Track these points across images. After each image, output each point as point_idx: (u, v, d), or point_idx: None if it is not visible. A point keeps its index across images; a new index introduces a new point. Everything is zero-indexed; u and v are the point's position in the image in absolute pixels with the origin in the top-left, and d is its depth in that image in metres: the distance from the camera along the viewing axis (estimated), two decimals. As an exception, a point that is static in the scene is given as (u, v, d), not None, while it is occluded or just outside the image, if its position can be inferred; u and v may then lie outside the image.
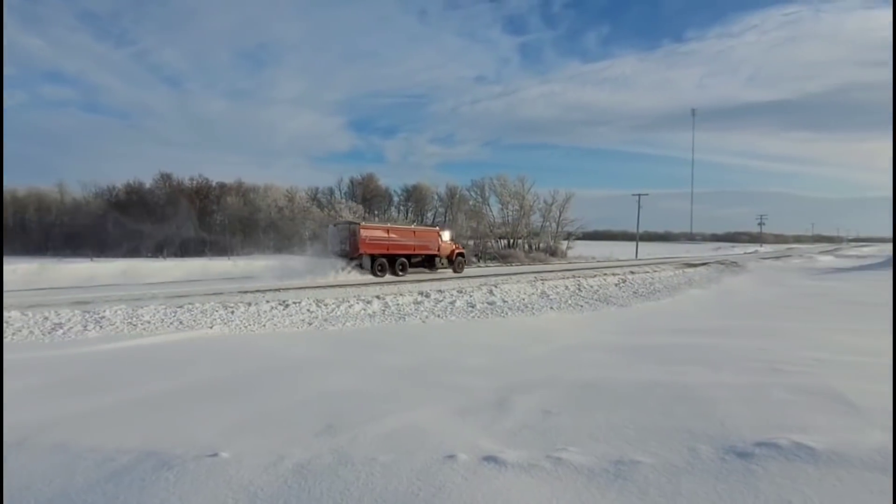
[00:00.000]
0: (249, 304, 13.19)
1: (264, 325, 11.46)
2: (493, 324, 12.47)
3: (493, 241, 43.84)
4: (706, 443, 3.35)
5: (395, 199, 48.56)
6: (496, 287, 17.54)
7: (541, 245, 44.82)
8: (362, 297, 14.70)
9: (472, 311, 13.85)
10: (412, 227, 27.82)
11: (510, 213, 45.53)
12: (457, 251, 27.20)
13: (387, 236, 23.74)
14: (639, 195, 50.72)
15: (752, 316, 13.06)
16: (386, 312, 13.29)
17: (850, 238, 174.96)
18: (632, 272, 25.33)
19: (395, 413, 4.50)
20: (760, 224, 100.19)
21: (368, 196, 45.56)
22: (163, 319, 11.55)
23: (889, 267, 30.53)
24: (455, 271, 26.24)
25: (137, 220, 36.88)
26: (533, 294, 17.18)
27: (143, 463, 3.46)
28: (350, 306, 13.59)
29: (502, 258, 38.72)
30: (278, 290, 16.24)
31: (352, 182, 47.00)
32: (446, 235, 26.94)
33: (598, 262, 37.69)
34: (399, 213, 47.31)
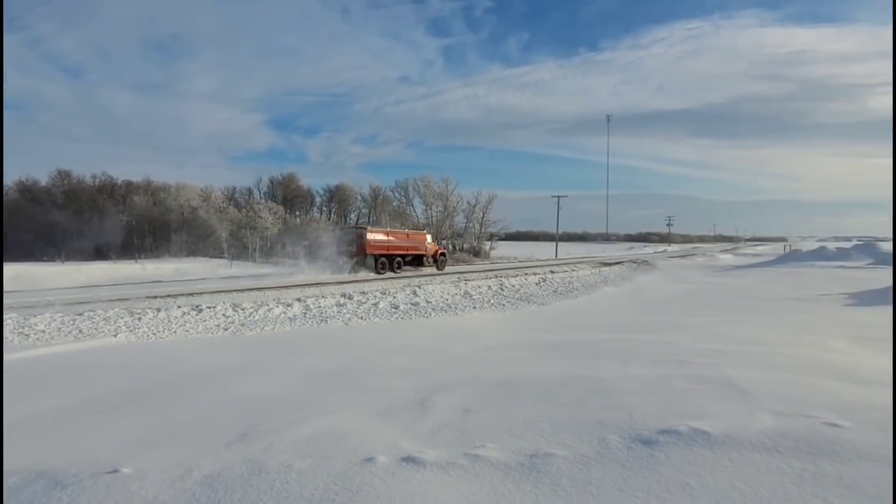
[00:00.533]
0: (159, 310, 12.47)
1: (175, 332, 10.87)
2: (417, 324, 12.50)
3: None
4: (615, 433, 3.51)
5: (318, 199, 47.51)
6: (420, 288, 17.58)
7: (464, 245, 45.43)
8: (282, 301, 14.27)
9: (395, 313, 13.80)
10: (406, 230, 30.53)
11: (434, 213, 45.86)
12: (440, 251, 30.09)
13: (387, 239, 26.40)
14: (558, 197, 52.56)
15: (661, 311, 13.87)
16: (307, 315, 12.98)
17: (747, 238, 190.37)
18: (551, 272, 26.18)
19: (314, 418, 4.40)
20: (669, 225, 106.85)
21: (289, 196, 44.29)
22: (59, 328, 10.70)
23: (780, 264, 33.44)
24: (438, 269, 28.73)
25: (32, 221, 33.90)
26: (456, 294, 17.37)
27: (33, 484, 3.19)
28: (269, 310, 13.16)
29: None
30: (192, 294, 15.45)
31: (272, 182, 45.52)
32: (429, 238, 29.94)
33: (520, 262, 38.68)
34: (321, 213, 46.34)
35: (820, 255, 36.42)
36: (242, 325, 11.71)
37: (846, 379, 5.04)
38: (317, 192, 47.82)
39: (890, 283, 17.37)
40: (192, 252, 36.57)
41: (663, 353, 6.87)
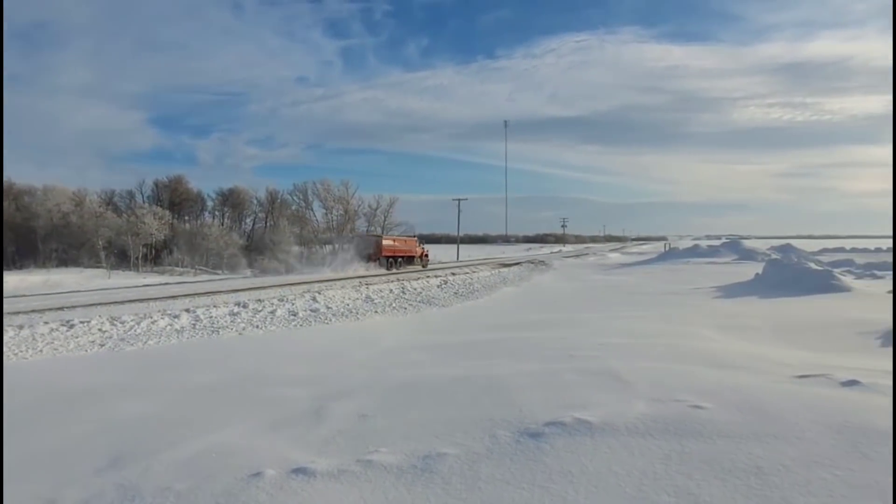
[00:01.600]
0: (21, 327, 11.20)
1: (41, 351, 9.82)
2: (317, 331, 12.20)
3: (317, 246, 42.93)
4: (505, 428, 3.63)
5: (210, 203, 44.68)
6: (320, 293, 17.17)
7: (367, 250, 44.95)
8: (168, 312, 13.34)
9: (294, 320, 13.39)
10: (405, 237, 37.92)
11: (334, 217, 44.93)
12: (424, 252, 37.07)
13: (393, 244, 33.96)
14: (459, 200, 53.48)
15: (556, 309, 14.54)
16: (197, 327, 12.24)
17: (632, 238, 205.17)
18: (453, 274, 26.61)
19: (199, 436, 4.16)
20: (563, 226, 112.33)
21: (177, 200, 41.35)
22: None
23: (661, 261, 36.27)
24: (423, 266, 35.34)
25: None
26: (358, 299, 17.15)
27: None
28: (153, 322, 12.25)
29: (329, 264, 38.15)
30: (62, 308, 14.02)
31: (156, 184, 42.11)
32: (417, 242, 37.51)
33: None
34: (214, 218, 43.76)
35: (694, 252, 40.01)
36: (122, 339, 10.81)
37: (711, 364, 5.58)
38: (208, 195, 44.88)
39: (751, 276, 19.43)
40: (64, 262, 33.23)
41: (555, 348, 7.22)
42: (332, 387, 5.88)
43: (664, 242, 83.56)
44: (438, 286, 21.63)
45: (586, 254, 59.11)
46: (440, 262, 40.50)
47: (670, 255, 41.43)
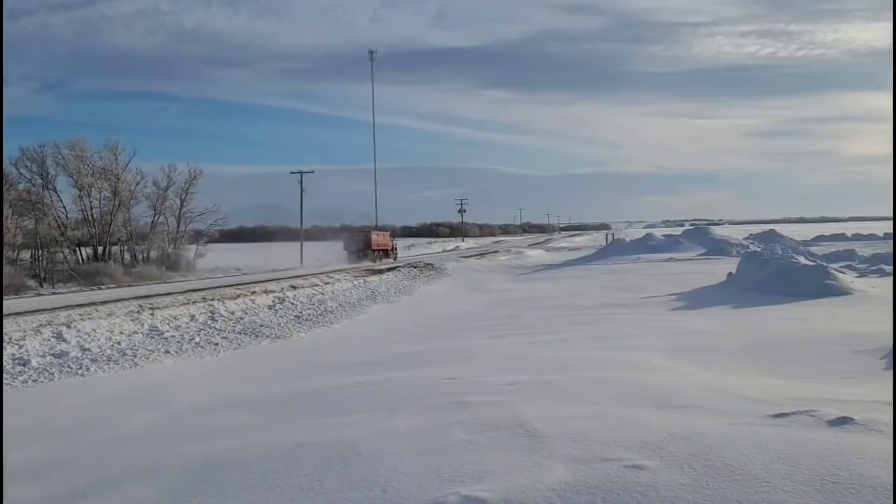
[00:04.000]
0: None
1: None
2: (62, 388, 11.65)
3: (67, 250, 40.43)
4: (358, 520, 3.65)
5: None
6: (70, 326, 16.17)
7: (152, 253, 43.12)
8: None
9: (23, 373, 12.53)
10: (383, 231, 56.33)
11: (97, 203, 42.51)
12: (394, 246, 54.89)
13: (378, 238, 50.85)
14: (301, 173, 52.86)
15: (448, 334, 14.89)
16: None
17: (561, 226, 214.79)
18: (293, 286, 26.25)
19: None
20: (462, 211, 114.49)
21: None
22: None
23: (601, 259, 38.28)
24: (394, 259, 50.20)
25: None
26: (136, 333, 16.42)
27: None
28: None
29: (86, 277, 35.99)
30: None
31: None
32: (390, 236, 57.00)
33: (245, 273, 38.04)
34: None
35: (646, 245, 42.69)
36: None
37: (659, 404, 5.96)
38: None
39: (722, 277, 21.08)
40: None
41: (442, 393, 7.38)
42: (86, 476, 5.65)
43: (605, 232, 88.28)
44: (270, 306, 21.29)
45: (495, 251, 61.01)
46: (273, 269, 39.76)
47: (613, 249, 43.90)
